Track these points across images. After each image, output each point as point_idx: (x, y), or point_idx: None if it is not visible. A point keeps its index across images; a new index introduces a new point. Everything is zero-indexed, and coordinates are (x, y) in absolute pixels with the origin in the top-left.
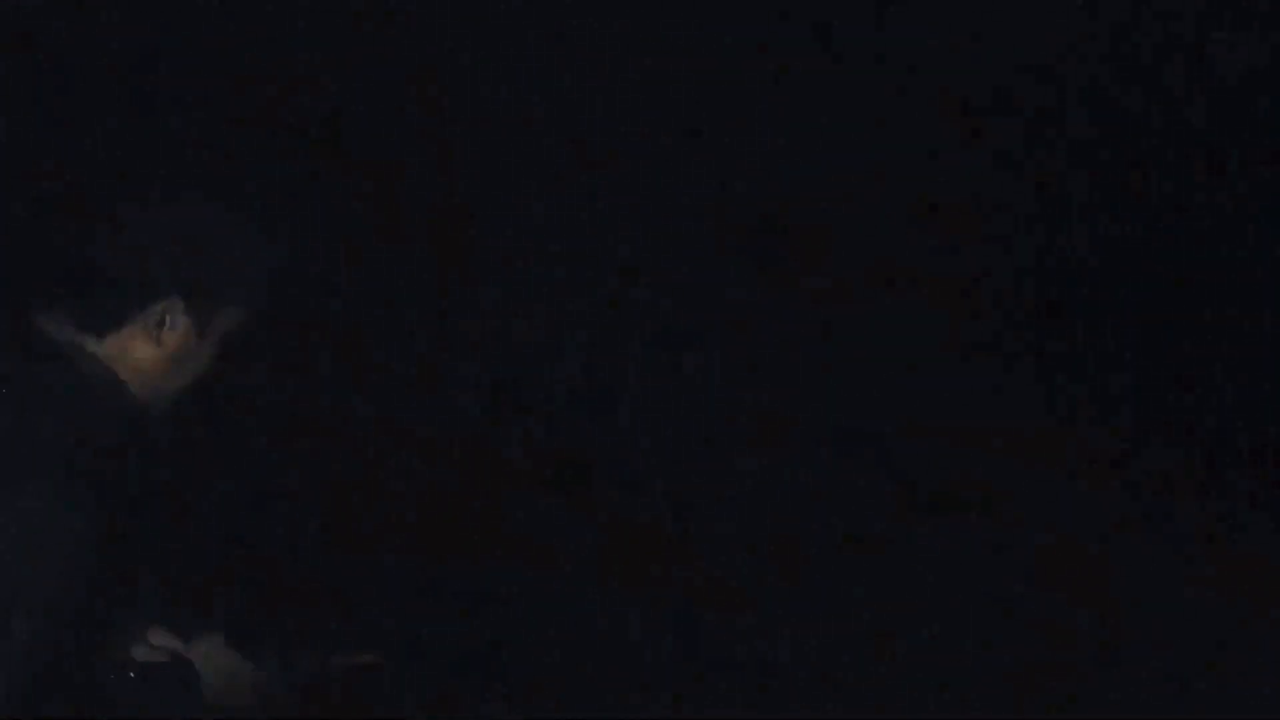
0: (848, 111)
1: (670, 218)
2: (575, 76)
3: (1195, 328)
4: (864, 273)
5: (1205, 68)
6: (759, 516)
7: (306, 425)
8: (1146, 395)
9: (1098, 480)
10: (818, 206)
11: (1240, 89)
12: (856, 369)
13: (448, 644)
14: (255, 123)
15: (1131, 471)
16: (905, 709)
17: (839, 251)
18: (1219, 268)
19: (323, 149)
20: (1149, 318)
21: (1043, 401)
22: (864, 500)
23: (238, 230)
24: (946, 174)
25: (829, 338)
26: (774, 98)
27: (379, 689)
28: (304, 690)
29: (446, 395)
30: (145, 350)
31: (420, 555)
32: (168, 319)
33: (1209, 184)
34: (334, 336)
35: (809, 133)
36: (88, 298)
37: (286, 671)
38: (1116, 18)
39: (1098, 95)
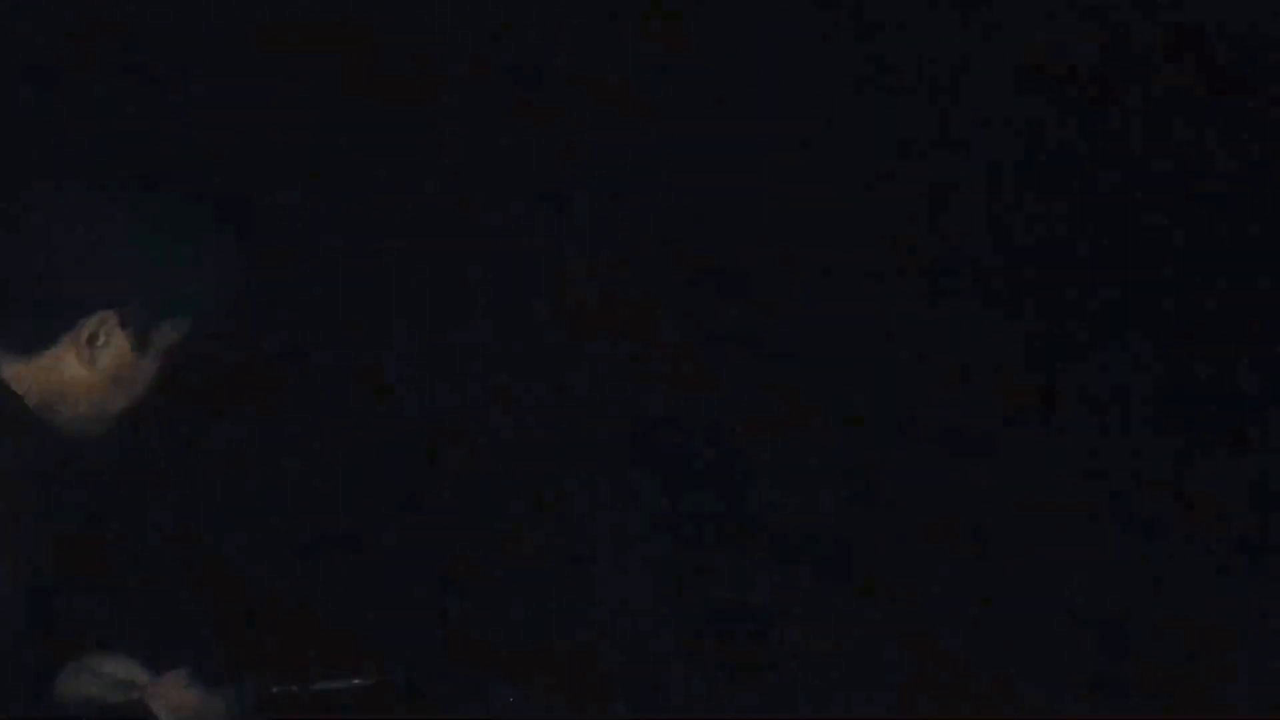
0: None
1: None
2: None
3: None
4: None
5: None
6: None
7: (264, 442)
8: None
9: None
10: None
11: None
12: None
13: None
14: (200, 121)
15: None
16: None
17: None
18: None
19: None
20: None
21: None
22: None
23: (177, 236)
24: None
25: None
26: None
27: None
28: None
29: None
30: (78, 371)
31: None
32: (100, 336)
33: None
34: (290, 351)
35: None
36: (9, 316)
37: (257, 705)
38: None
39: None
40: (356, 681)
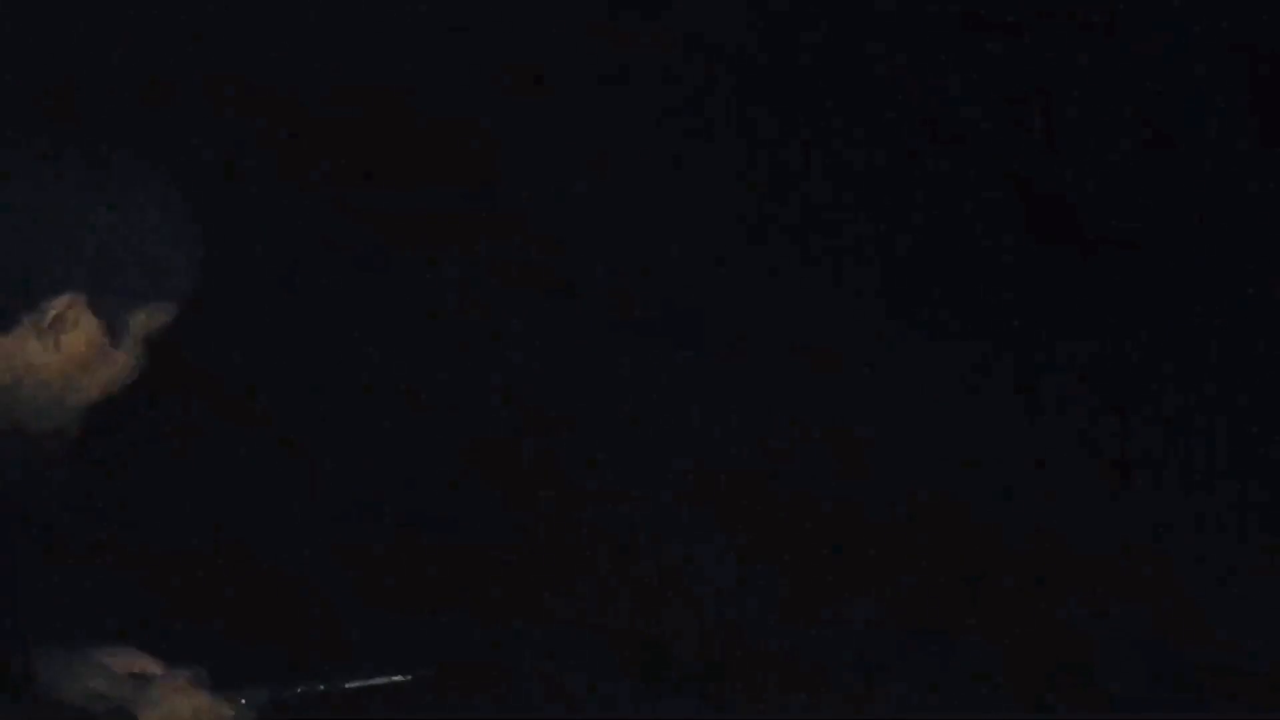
0: None
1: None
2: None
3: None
4: None
5: None
6: None
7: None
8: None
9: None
10: None
11: None
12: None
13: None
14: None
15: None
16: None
17: None
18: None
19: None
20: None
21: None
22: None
23: (155, 212)
24: None
25: None
26: None
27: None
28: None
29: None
30: (42, 356)
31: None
32: (68, 318)
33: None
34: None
35: None
36: None
37: (274, 709)
38: None
39: None
40: (396, 678)
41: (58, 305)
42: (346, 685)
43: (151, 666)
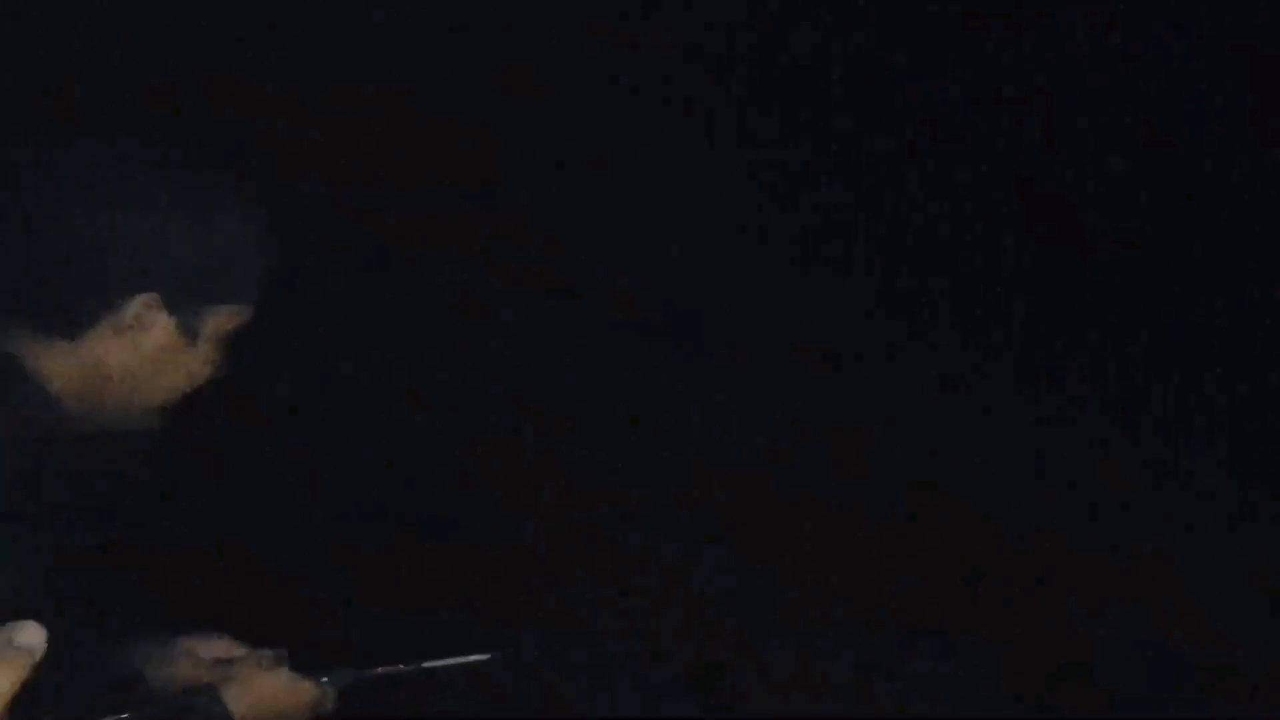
0: None
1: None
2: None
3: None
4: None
5: None
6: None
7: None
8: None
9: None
10: None
11: None
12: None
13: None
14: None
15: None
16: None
17: None
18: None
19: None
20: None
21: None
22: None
23: (229, 217)
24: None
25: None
26: None
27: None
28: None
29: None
30: (121, 355)
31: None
32: (145, 318)
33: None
34: (337, 334)
35: None
36: (43, 296)
37: (353, 689)
38: None
39: None
40: (475, 658)
41: (135, 306)
42: (426, 665)
43: (236, 649)
